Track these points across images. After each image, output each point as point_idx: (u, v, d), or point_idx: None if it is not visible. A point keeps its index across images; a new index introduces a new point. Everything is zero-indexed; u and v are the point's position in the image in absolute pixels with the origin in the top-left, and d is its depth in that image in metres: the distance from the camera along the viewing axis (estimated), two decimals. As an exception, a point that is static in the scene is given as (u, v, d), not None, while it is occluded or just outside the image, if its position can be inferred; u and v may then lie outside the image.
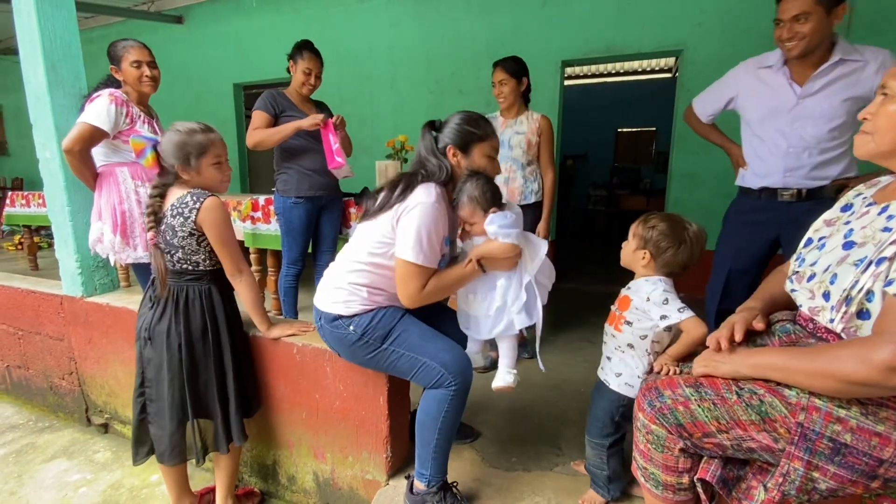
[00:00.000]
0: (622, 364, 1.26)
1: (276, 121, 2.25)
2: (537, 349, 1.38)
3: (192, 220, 1.32)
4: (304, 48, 2.27)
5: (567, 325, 2.98)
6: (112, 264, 2.02)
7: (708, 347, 1.03)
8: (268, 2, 4.71)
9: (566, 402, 1.98)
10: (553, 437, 1.72)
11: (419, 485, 1.31)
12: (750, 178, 1.74)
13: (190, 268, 1.38)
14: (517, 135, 2.23)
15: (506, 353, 1.38)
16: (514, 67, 2.17)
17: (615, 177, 7.62)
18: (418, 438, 1.30)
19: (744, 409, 0.90)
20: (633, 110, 7.55)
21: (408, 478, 1.37)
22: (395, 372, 1.31)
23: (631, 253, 1.26)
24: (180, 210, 1.33)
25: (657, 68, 7.20)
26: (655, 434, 0.99)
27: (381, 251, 1.26)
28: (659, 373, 1.12)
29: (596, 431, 1.31)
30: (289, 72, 2.35)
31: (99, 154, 1.86)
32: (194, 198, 1.33)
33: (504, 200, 1.31)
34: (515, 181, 2.24)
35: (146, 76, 1.90)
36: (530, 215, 2.29)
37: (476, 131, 1.27)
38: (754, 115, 1.69)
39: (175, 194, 1.36)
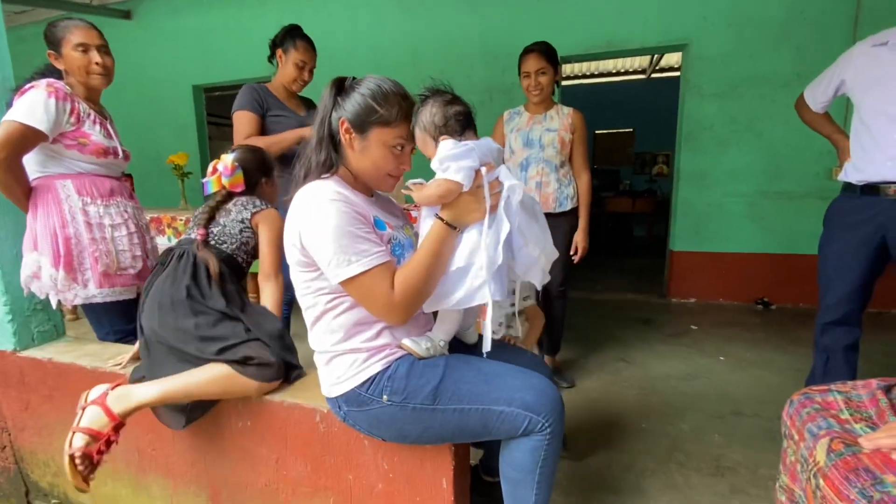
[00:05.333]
0: None
1: (262, 121, 1.87)
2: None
3: (249, 218, 1.39)
4: (296, 36, 1.91)
5: (593, 342, 2.71)
6: (55, 306, 1.57)
7: None
8: (231, -6, 4.27)
9: (633, 444, 1.68)
10: (636, 495, 1.42)
11: None
12: (851, 171, 1.53)
13: (223, 245, 1.38)
14: (548, 132, 1.95)
15: (441, 323, 1.04)
16: (552, 54, 1.88)
17: (596, 179, 7.50)
18: (511, 498, 1.01)
19: None
20: (610, 112, 7.49)
21: None
22: (465, 436, 0.98)
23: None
24: (245, 204, 1.41)
25: (631, 69, 7.20)
26: (881, 537, 0.70)
27: (316, 284, 0.95)
28: (852, 445, 0.81)
29: None
30: (270, 61, 1.99)
31: (32, 163, 1.42)
32: (254, 202, 1.42)
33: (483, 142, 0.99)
34: (549, 185, 1.95)
35: (96, 64, 1.48)
36: (567, 224, 2.00)
37: (380, 110, 0.93)
38: (863, 97, 1.48)
39: (233, 200, 1.44)
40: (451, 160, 0.91)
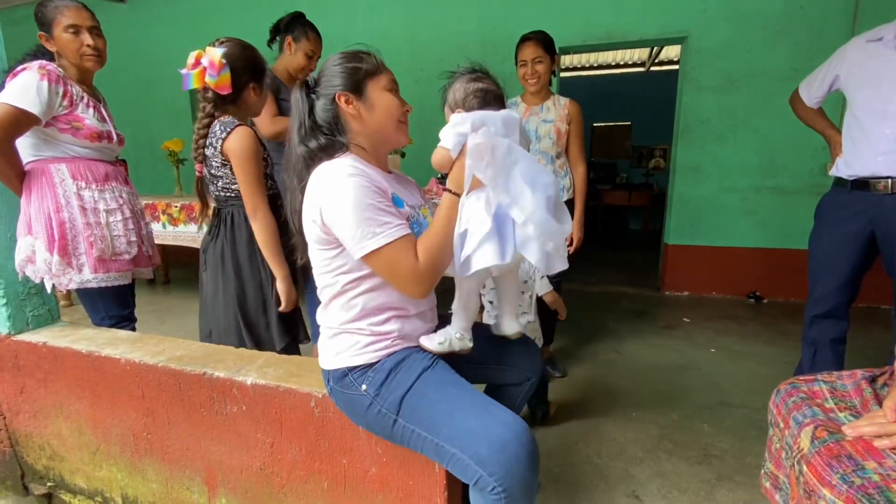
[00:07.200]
0: None
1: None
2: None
3: (219, 150, 1.30)
4: (307, 26, 1.90)
5: (587, 334, 2.74)
6: (49, 291, 1.57)
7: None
8: (227, -22, 4.21)
9: (623, 433, 1.71)
10: (625, 482, 1.45)
11: None
12: (842, 167, 1.55)
13: (233, 195, 1.38)
14: (545, 123, 1.94)
15: (456, 317, 1.05)
16: (549, 42, 1.88)
17: (592, 171, 7.53)
18: None
19: None
20: (608, 105, 7.47)
21: None
22: (430, 456, 0.95)
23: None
24: (211, 140, 1.32)
25: (630, 62, 7.16)
26: (861, 521, 0.72)
27: (336, 262, 0.95)
28: (836, 433, 0.84)
29: None
30: (269, 45, 1.97)
31: (26, 147, 1.41)
32: (222, 126, 1.30)
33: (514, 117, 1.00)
34: (545, 177, 1.95)
35: (87, 46, 1.47)
36: (562, 216, 2.01)
37: (362, 65, 0.98)
38: (856, 93, 1.49)
39: (215, 125, 1.34)
40: (446, 129, 0.93)
